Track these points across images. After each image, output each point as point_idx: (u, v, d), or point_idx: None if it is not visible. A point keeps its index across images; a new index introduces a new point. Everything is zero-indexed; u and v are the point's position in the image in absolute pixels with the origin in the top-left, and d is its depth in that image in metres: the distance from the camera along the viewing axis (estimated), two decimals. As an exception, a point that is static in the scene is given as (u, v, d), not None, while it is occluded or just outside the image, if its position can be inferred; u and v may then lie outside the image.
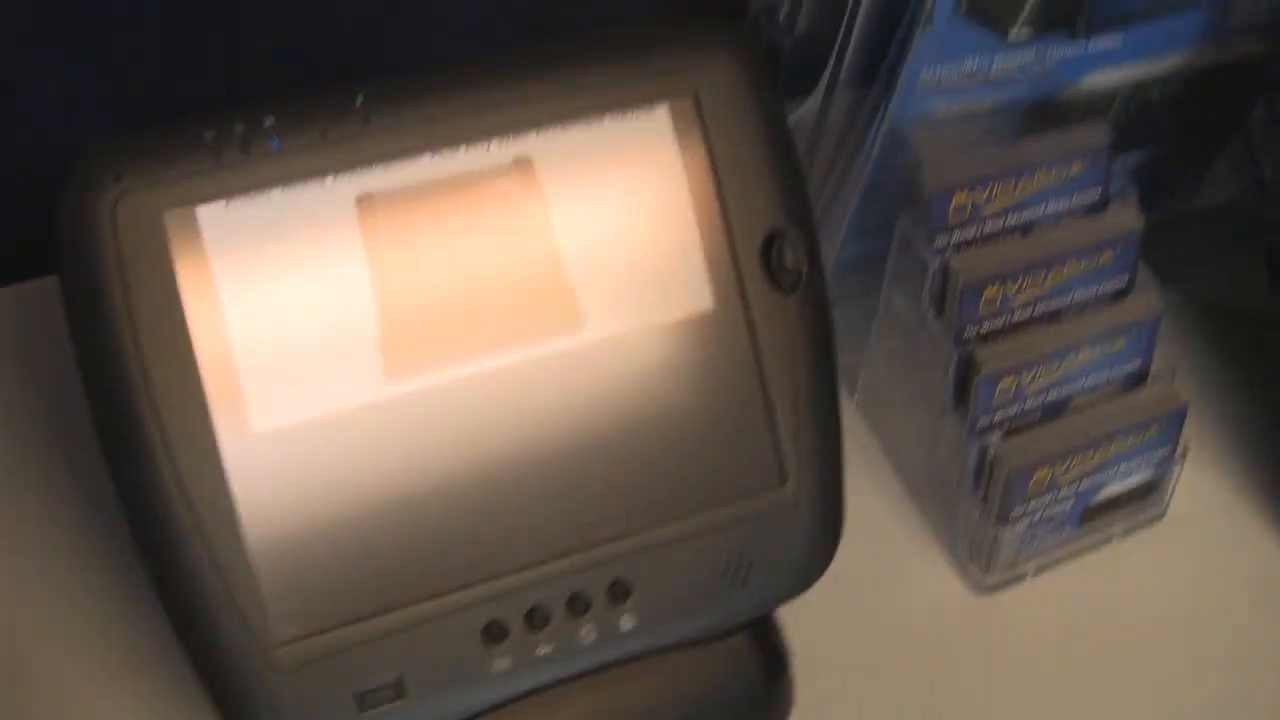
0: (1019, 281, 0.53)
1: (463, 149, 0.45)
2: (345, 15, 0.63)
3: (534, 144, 0.46)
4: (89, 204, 0.42)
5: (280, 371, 0.44)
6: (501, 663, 0.47)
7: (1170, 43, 0.58)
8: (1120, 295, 0.56)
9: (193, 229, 0.43)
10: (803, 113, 0.59)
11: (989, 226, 0.54)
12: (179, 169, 0.43)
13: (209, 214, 0.43)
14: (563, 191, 0.47)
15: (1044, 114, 0.57)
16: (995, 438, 0.54)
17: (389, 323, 0.45)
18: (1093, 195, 0.56)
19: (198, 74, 0.63)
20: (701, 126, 0.48)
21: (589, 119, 0.47)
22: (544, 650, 0.47)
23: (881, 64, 0.53)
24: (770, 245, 0.48)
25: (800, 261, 0.49)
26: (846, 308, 0.52)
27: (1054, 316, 0.56)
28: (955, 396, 0.55)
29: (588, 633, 0.48)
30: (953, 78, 0.53)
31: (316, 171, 0.44)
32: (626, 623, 0.48)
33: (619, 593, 0.48)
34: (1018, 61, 0.54)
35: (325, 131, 0.44)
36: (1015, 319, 0.54)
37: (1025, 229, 0.55)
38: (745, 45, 0.49)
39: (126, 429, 0.43)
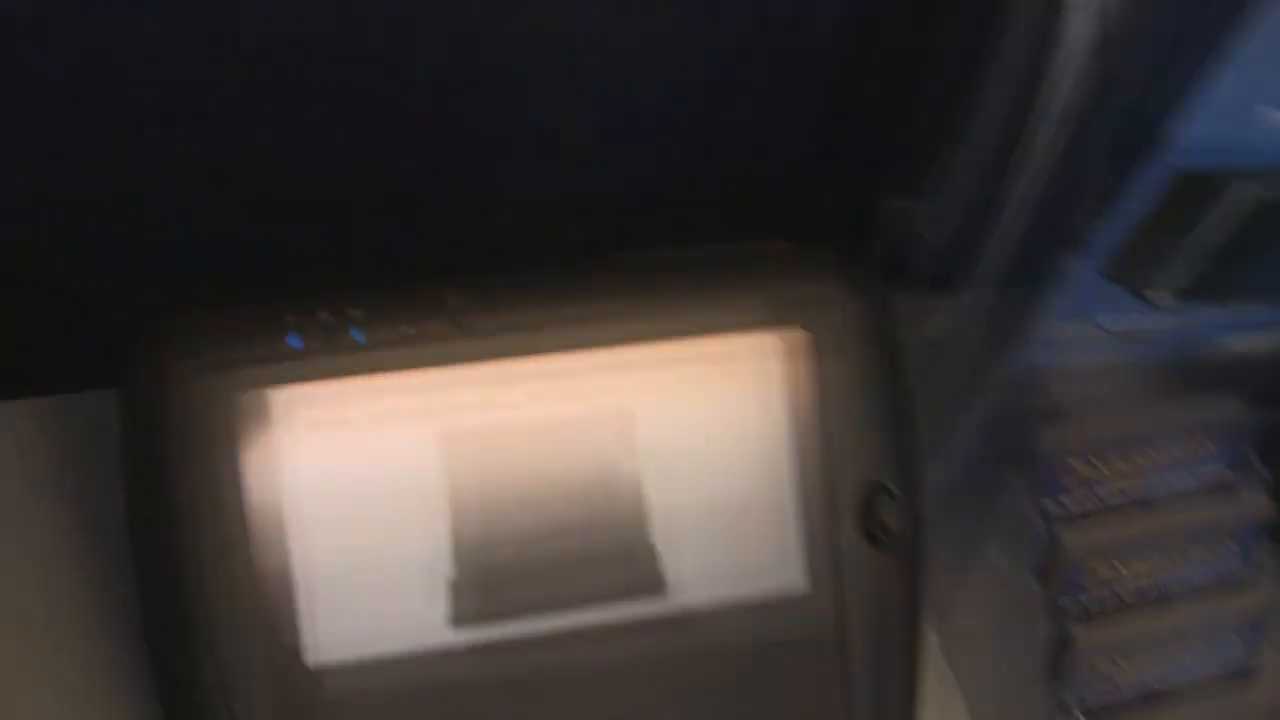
0: (1131, 562, 0.50)
1: (558, 381, 0.44)
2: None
3: (632, 378, 0.44)
4: (162, 377, 0.41)
5: (339, 600, 0.42)
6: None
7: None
8: (1239, 586, 0.53)
9: (267, 415, 0.42)
10: (934, 326, 0.56)
11: (1106, 497, 0.50)
12: (258, 351, 0.41)
13: (285, 400, 0.42)
14: (658, 437, 0.44)
15: (1180, 377, 0.54)
16: (1081, 720, 0.51)
17: (461, 563, 0.43)
18: (1223, 475, 0.52)
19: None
20: (812, 364, 0.45)
21: (690, 349, 0.44)
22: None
23: (1014, 300, 0.51)
24: (870, 502, 0.46)
25: (900, 523, 0.46)
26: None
27: (1164, 599, 0.52)
28: (1048, 669, 0.52)
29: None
30: (1085, 333, 0.50)
31: (402, 371, 0.43)
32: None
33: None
34: (1158, 322, 0.51)
35: (414, 328, 0.43)
36: (1122, 598, 0.51)
37: (1145, 503, 0.51)
38: (867, 279, 0.46)
39: (175, 627, 0.41)
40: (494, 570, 0.43)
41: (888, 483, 0.46)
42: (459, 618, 0.43)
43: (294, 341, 0.41)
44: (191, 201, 0.53)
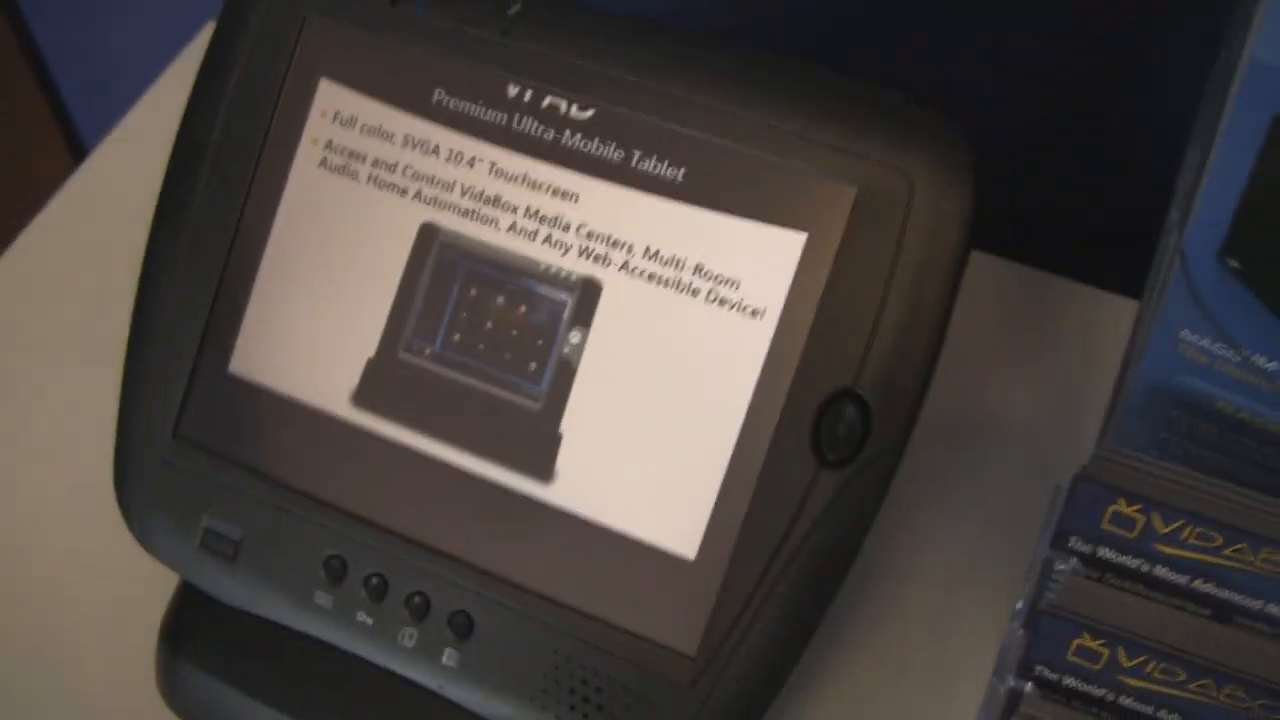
0: (1144, 659, 0.39)
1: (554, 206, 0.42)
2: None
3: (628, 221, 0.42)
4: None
5: (276, 327, 0.45)
6: (323, 599, 0.44)
7: None
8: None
9: (321, 45, 0.44)
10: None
11: (1161, 573, 0.40)
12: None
13: (339, 39, 0.44)
14: (620, 317, 0.42)
15: None
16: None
17: (382, 353, 0.44)
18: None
19: None
20: (843, 236, 0.40)
21: (729, 171, 0.41)
22: (362, 618, 0.43)
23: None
24: (833, 406, 0.40)
25: (856, 435, 0.40)
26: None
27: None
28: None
29: (407, 636, 0.43)
30: (1225, 362, 0.40)
31: (439, 55, 0.43)
32: (448, 657, 0.42)
33: (459, 625, 0.42)
34: None
35: (465, 22, 0.43)
36: (1115, 699, 0.40)
37: (1218, 609, 0.40)
38: (961, 170, 0.39)
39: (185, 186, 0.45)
40: (406, 372, 0.44)
41: (861, 392, 0.40)
42: (359, 399, 0.44)
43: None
44: None
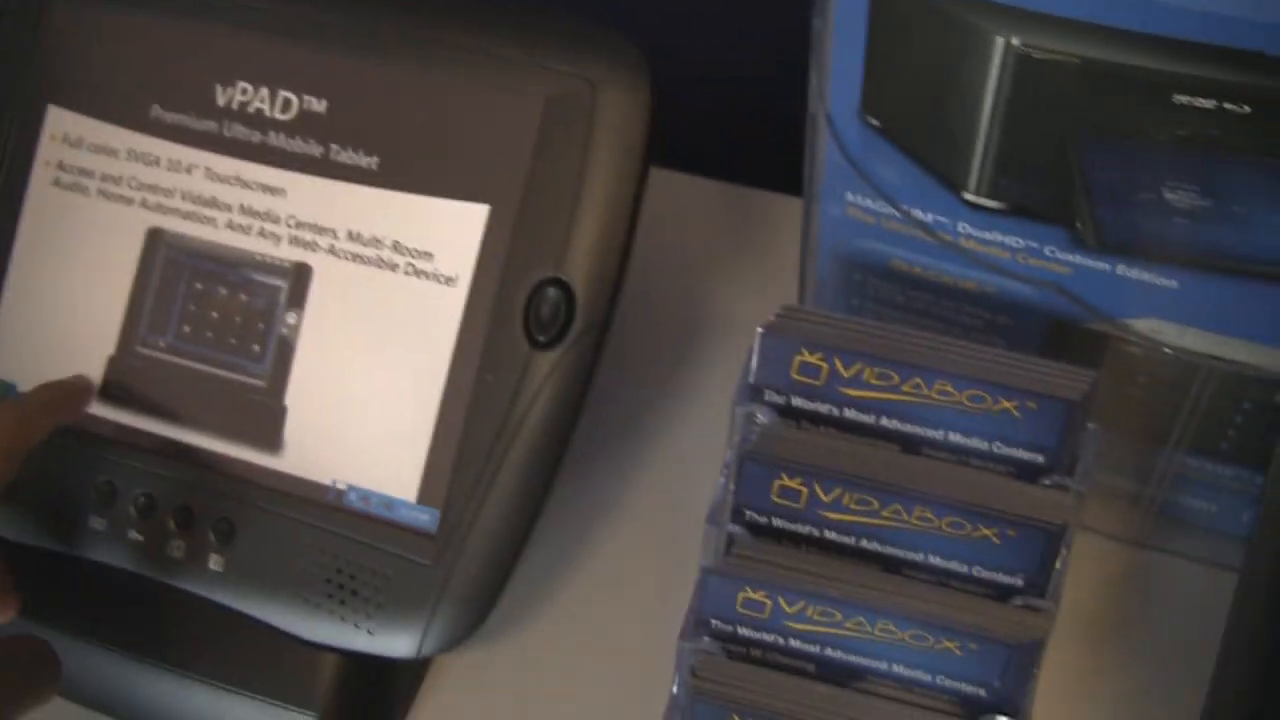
0: (837, 493, 0.43)
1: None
2: None
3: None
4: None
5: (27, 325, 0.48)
6: (97, 522, 0.46)
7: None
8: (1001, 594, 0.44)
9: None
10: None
11: (850, 415, 0.44)
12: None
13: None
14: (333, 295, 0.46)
15: (1009, 315, 0.46)
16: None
17: (121, 349, 0.47)
18: (1024, 455, 0.43)
19: None
20: (537, 140, 0.44)
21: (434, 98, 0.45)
22: (132, 536, 0.46)
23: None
24: (539, 293, 0.44)
25: (559, 319, 0.44)
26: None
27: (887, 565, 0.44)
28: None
29: (176, 548, 0.46)
30: (890, 219, 0.44)
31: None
32: (214, 562, 0.45)
33: (222, 531, 0.45)
34: (997, 241, 0.43)
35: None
36: (820, 534, 0.44)
37: (905, 443, 0.44)
38: (637, 74, 0.44)
39: None
40: (144, 365, 0.47)
41: (563, 278, 0.44)
42: (105, 393, 0.47)
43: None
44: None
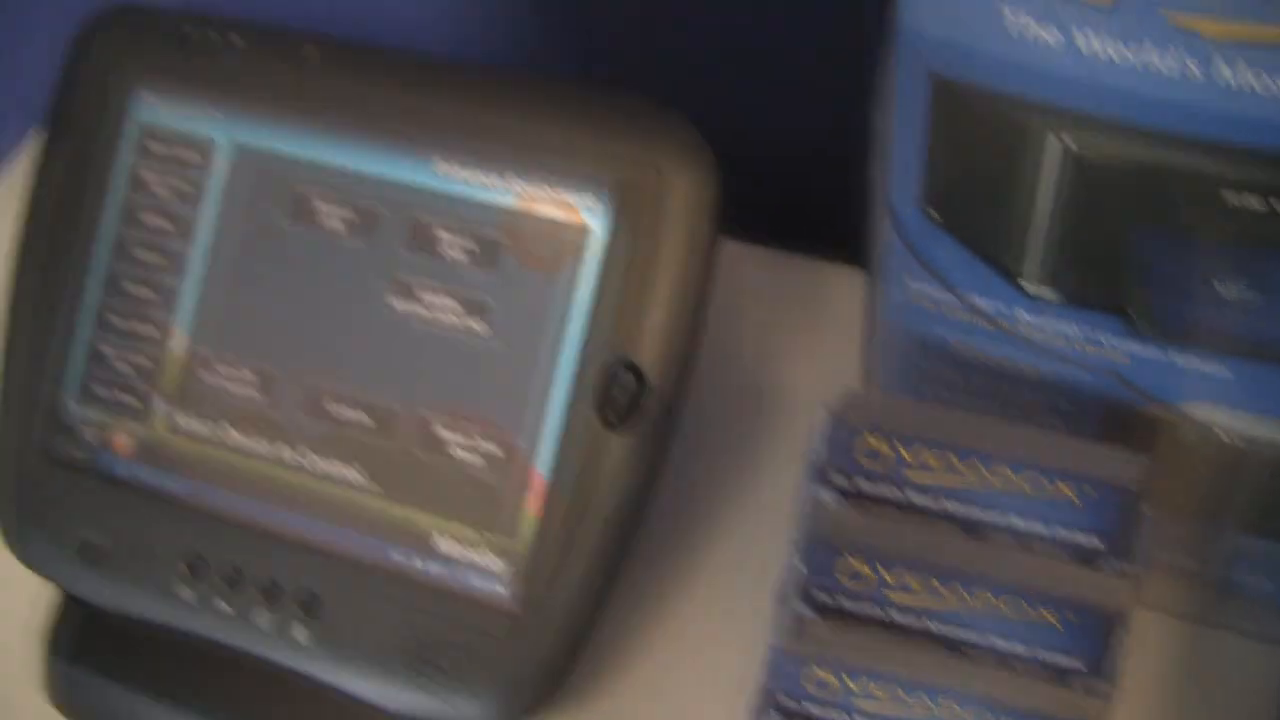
0: (901, 574, 0.44)
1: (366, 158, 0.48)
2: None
3: (435, 181, 0.47)
4: (83, 50, 0.51)
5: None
6: (186, 592, 0.48)
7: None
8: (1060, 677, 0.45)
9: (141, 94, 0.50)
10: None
11: (911, 495, 0.45)
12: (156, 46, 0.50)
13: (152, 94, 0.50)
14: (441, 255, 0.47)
15: (1066, 400, 0.47)
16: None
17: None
18: (1083, 540, 0.45)
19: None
20: (608, 225, 0.46)
21: (509, 170, 0.46)
22: (221, 607, 0.48)
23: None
24: (612, 375, 0.46)
25: (632, 401, 0.45)
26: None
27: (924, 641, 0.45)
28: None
29: (263, 619, 0.48)
30: (951, 306, 0.46)
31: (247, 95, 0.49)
32: (300, 634, 0.47)
33: (309, 604, 0.47)
34: (1055, 329, 0.44)
35: (268, 67, 0.49)
36: (867, 614, 0.44)
37: (967, 524, 0.45)
38: (704, 153, 0.45)
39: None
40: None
41: (636, 361, 0.45)
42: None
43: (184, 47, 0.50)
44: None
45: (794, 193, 0.63)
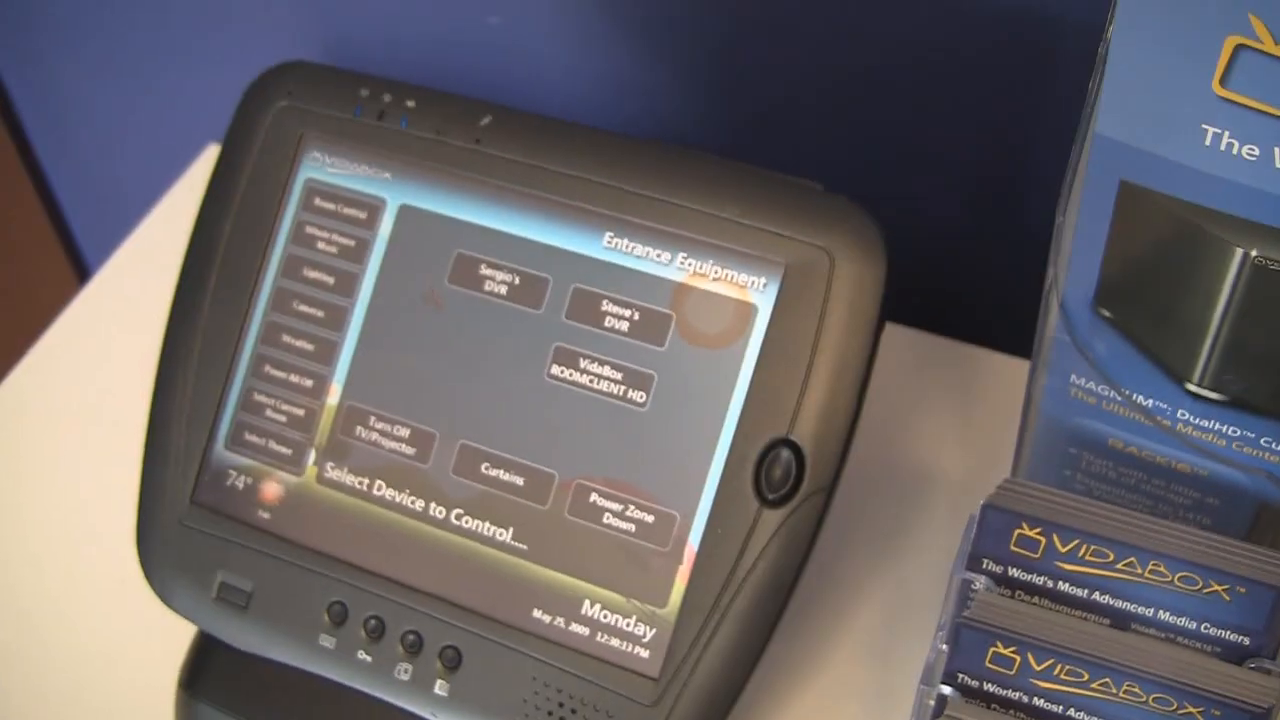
0: (1049, 663, 0.45)
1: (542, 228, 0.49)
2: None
3: (606, 268, 0.48)
4: (258, 102, 0.52)
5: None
6: (327, 640, 0.49)
7: None
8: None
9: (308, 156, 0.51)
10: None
11: (1065, 588, 0.46)
12: (327, 105, 0.51)
13: (322, 151, 0.51)
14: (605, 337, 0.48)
15: (1218, 496, 0.47)
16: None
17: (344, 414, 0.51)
18: (1231, 637, 0.45)
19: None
20: (776, 306, 0.46)
21: (679, 246, 0.47)
22: (362, 656, 0.48)
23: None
24: (770, 452, 0.46)
25: (789, 479, 0.46)
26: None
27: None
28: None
29: (403, 670, 0.48)
30: (1111, 401, 0.46)
31: (419, 162, 0.50)
32: (440, 688, 0.48)
33: (450, 659, 0.48)
34: (1214, 429, 0.45)
35: (441, 132, 0.50)
36: (1029, 701, 0.45)
37: (1116, 617, 0.46)
38: (874, 238, 0.46)
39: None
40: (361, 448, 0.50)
41: (795, 439, 0.46)
42: (319, 462, 0.50)
43: (356, 110, 0.50)
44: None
45: (956, 280, 0.64)
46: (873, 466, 0.57)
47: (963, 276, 0.64)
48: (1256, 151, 0.38)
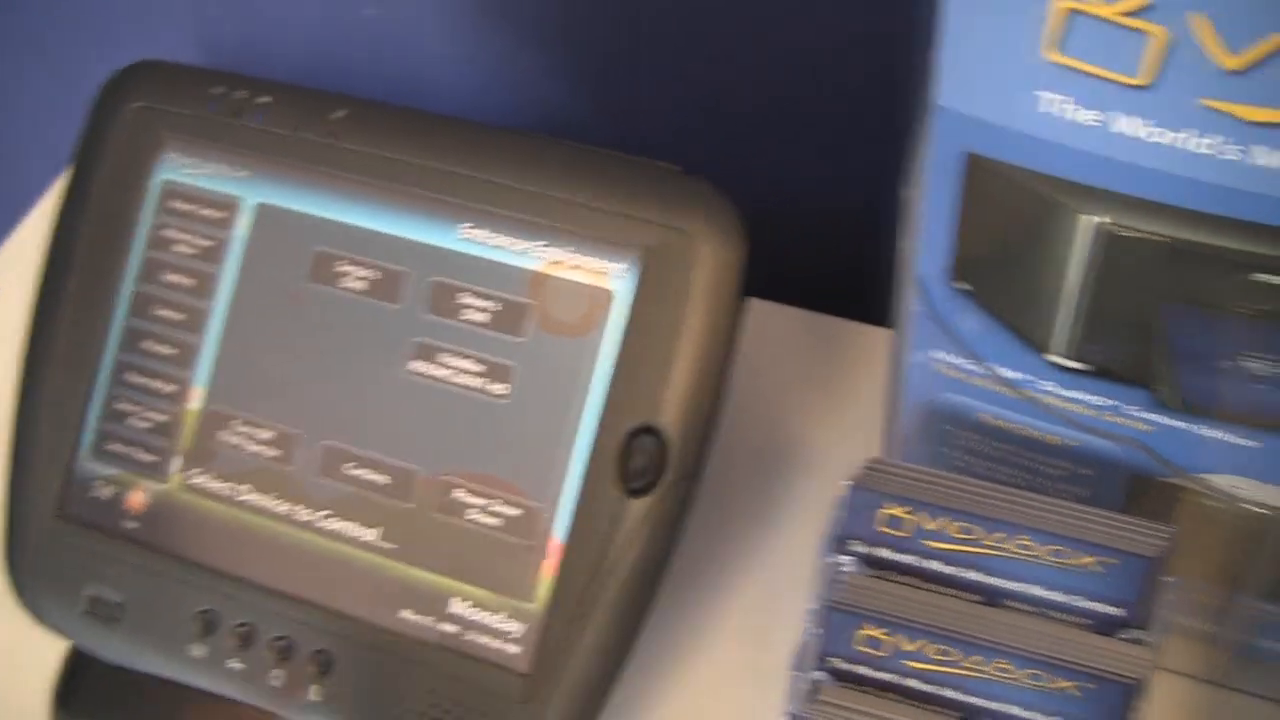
0: (920, 643, 0.44)
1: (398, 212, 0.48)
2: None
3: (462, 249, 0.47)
4: (111, 104, 0.51)
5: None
6: (198, 650, 0.48)
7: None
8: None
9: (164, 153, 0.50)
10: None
11: (934, 566, 0.45)
12: (182, 105, 0.50)
13: (177, 152, 0.50)
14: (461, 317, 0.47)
15: (1148, 493, 0.47)
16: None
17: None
18: (1103, 609, 0.44)
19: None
20: (633, 291, 0.45)
21: (536, 234, 0.46)
22: (233, 664, 0.48)
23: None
24: (633, 441, 0.45)
25: (653, 467, 0.45)
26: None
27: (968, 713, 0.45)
28: None
29: (275, 677, 0.47)
30: (976, 375, 0.46)
31: (275, 159, 0.49)
32: (314, 693, 0.47)
33: (321, 663, 0.47)
34: (1080, 399, 0.44)
35: (297, 128, 0.49)
36: (902, 682, 0.45)
37: (987, 594, 0.45)
38: (731, 218, 0.45)
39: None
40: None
41: (657, 427, 0.45)
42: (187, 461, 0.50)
43: (210, 108, 0.49)
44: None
45: (823, 254, 0.64)
46: (744, 449, 0.57)
47: (831, 251, 0.63)
48: (1095, 117, 0.38)
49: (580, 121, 0.65)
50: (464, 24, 0.62)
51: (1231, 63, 0.36)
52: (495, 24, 0.62)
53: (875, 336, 0.61)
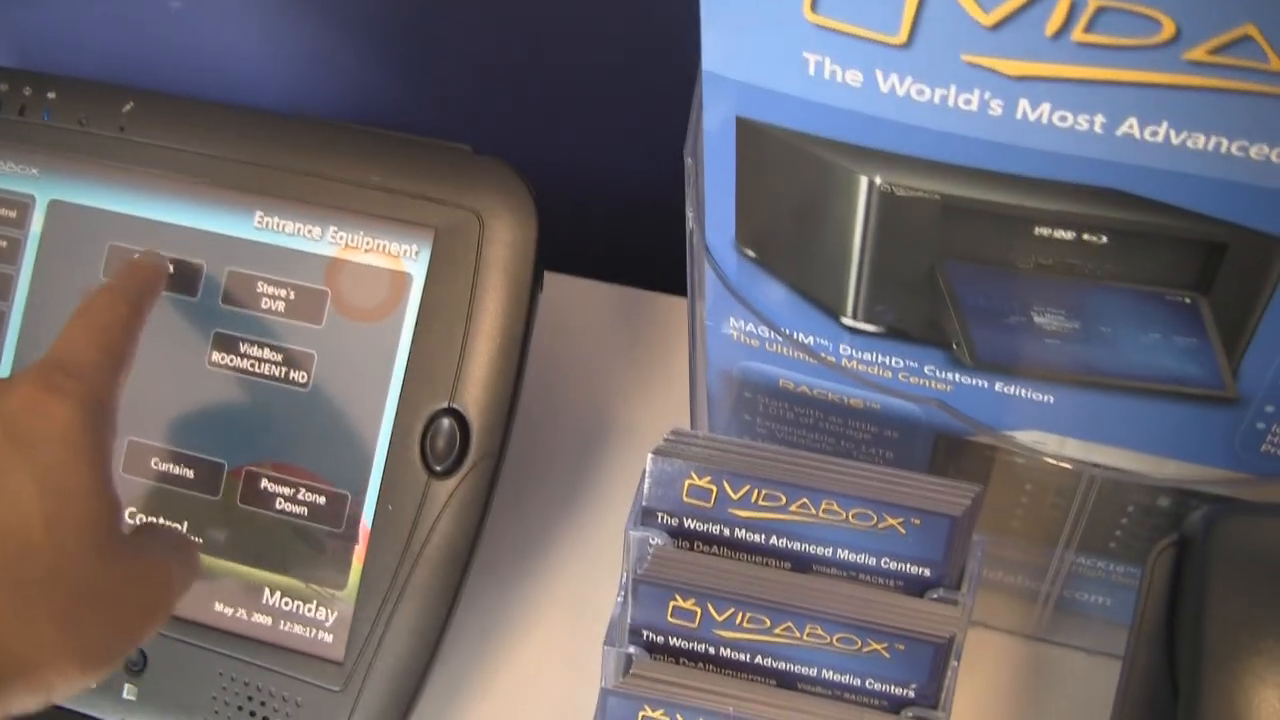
0: (731, 612, 0.44)
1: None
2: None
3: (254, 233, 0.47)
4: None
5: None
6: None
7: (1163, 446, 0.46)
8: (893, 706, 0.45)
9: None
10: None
11: (741, 535, 0.45)
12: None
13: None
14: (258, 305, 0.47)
15: (955, 452, 0.48)
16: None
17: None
18: (912, 570, 0.45)
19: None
20: (427, 273, 0.45)
21: (329, 220, 0.46)
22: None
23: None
24: (434, 423, 0.45)
25: (454, 448, 0.45)
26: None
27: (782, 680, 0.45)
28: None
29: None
30: (773, 342, 0.46)
31: (65, 161, 0.48)
32: (128, 692, 0.46)
33: (134, 662, 0.46)
34: (877, 362, 0.45)
35: (84, 123, 0.48)
36: (715, 652, 0.45)
37: (797, 561, 0.45)
38: (524, 197, 0.45)
39: None
40: None
41: (457, 408, 0.45)
42: None
43: (-6, 105, 0.49)
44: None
45: (625, 226, 0.63)
46: (555, 425, 0.57)
47: (632, 223, 0.63)
48: (860, 77, 0.38)
49: (399, 109, 0.64)
50: (271, 13, 0.61)
51: (987, 19, 0.36)
52: (303, 12, 0.61)
53: (680, 307, 0.61)
